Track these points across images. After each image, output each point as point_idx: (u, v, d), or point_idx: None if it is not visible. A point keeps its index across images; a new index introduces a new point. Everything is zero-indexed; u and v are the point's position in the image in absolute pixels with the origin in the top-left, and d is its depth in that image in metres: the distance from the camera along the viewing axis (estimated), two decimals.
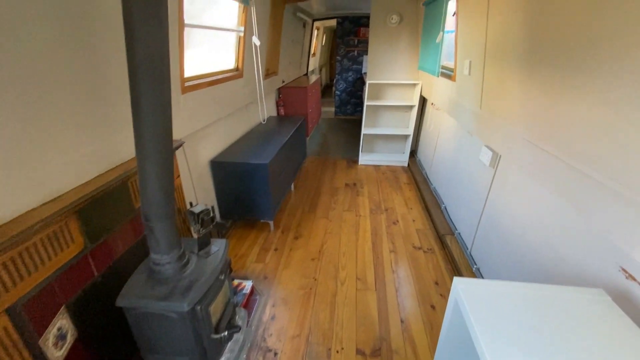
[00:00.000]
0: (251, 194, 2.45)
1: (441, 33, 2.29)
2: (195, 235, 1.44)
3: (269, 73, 3.57)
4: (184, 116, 1.90)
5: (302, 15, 4.47)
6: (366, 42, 5.92)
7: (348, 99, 6.50)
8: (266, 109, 3.80)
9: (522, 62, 1.36)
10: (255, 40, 2.53)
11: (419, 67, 3.41)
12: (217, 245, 1.47)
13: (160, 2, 0.93)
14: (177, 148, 1.70)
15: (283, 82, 4.30)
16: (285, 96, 4.36)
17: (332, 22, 6.35)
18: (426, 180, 3.36)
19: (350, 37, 5.94)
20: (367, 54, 6.04)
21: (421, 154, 3.88)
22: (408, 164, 3.98)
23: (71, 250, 1.12)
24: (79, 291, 1.18)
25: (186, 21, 1.81)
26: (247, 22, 2.47)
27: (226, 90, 2.45)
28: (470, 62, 1.95)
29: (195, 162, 2.20)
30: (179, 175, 1.78)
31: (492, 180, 1.88)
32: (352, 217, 2.81)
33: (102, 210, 1.27)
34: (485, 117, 1.82)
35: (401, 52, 3.56)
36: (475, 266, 2.01)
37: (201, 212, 1.33)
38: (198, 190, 2.24)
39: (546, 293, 0.90)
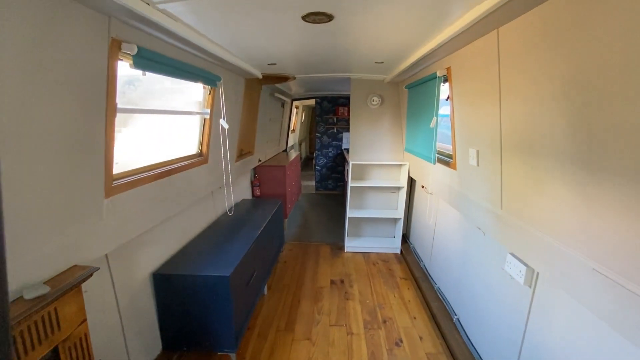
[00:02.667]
0: (207, 317, 1.81)
1: (435, 118, 2.05)
2: None
3: (243, 153, 3.22)
4: (110, 226, 1.37)
5: (280, 96, 4.39)
6: (345, 120, 5.94)
7: (329, 174, 6.27)
8: (238, 193, 3.35)
9: (576, 163, 1.01)
10: (223, 123, 2.20)
11: (406, 149, 3.19)
12: None
13: None
14: (84, 280, 1.14)
15: (260, 161, 3.97)
16: (262, 175, 3.98)
17: (311, 101, 6.45)
18: (427, 276, 2.84)
19: (329, 115, 5.97)
20: (346, 131, 6.03)
21: (415, 240, 3.43)
22: (401, 251, 3.49)
23: None
24: None
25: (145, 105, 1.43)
26: (214, 104, 2.16)
27: (184, 179, 2.00)
28: (477, 151, 1.65)
29: (127, 279, 1.60)
30: (84, 320, 1.18)
31: (531, 304, 1.40)
32: (343, 336, 2.16)
33: None
34: (509, 221, 1.43)
35: (384, 133, 3.38)
36: None
37: None
38: (128, 319, 1.59)
39: None
